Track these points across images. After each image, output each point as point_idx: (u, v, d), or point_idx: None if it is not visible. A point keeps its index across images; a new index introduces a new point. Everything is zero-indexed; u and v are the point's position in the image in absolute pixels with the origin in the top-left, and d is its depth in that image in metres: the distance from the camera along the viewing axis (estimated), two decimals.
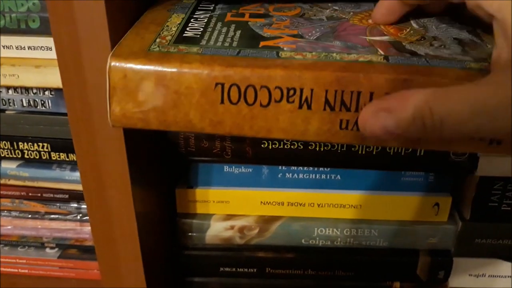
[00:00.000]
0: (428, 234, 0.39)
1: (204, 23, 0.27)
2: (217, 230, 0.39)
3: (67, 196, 0.42)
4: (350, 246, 0.39)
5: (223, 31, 0.26)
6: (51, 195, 0.42)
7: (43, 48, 0.36)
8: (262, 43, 0.25)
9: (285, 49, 0.24)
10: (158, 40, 0.25)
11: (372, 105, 0.21)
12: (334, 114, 0.23)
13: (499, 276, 0.41)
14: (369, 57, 0.23)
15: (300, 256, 0.39)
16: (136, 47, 0.24)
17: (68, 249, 0.44)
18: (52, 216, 0.43)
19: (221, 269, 0.40)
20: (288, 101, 0.23)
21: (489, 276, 0.41)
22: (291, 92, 0.23)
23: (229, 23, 0.27)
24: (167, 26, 0.27)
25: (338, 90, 0.22)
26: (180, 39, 0.25)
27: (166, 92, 0.23)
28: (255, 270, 0.40)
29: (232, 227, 0.39)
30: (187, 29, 0.27)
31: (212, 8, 0.30)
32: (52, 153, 0.40)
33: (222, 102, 0.23)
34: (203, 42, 0.25)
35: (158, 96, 0.23)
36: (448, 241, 0.39)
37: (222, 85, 0.23)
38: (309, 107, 0.23)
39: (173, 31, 0.26)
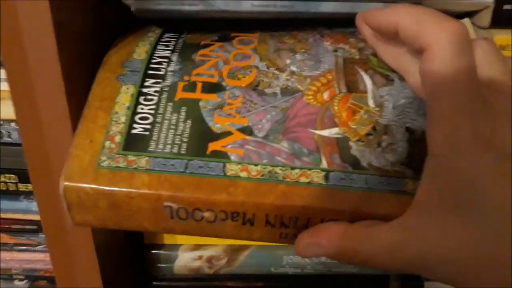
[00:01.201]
0: None
1: (154, 105, 0.27)
2: (185, 261, 0.39)
3: (35, 227, 0.42)
4: (319, 273, 0.39)
5: (172, 124, 0.26)
6: (20, 226, 0.42)
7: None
8: (210, 147, 0.25)
9: (232, 158, 0.25)
10: (107, 145, 0.26)
11: (304, 237, 0.24)
12: (274, 229, 0.25)
13: None
14: (310, 175, 0.24)
15: (270, 284, 0.39)
16: (86, 161, 0.25)
17: (37, 280, 0.44)
18: (21, 247, 0.43)
19: None
20: (232, 220, 0.24)
21: None
22: (235, 214, 0.24)
23: (180, 105, 0.27)
24: (116, 113, 0.27)
25: (278, 215, 0.24)
26: (129, 141, 0.26)
27: (120, 209, 0.25)
28: None
29: (200, 257, 0.38)
30: (137, 119, 0.26)
31: (163, 72, 0.28)
32: (19, 184, 0.40)
33: (172, 218, 0.25)
34: (152, 147, 0.25)
35: (112, 211, 0.25)
36: None
37: (171, 207, 0.24)
38: (251, 224, 0.25)
39: (122, 125, 0.26)
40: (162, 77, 0.28)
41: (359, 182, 0.24)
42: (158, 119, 0.26)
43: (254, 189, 0.24)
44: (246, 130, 0.26)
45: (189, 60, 0.29)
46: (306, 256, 0.24)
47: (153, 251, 0.39)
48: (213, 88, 0.28)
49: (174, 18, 0.30)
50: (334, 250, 0.22)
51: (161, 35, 0.31)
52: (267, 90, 0.27)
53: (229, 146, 0.25)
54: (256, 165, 0.25)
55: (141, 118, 0.26)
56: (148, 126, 0.26)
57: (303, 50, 0.29)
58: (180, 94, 0.27)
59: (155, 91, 0.27)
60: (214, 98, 0.27)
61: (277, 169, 0.24)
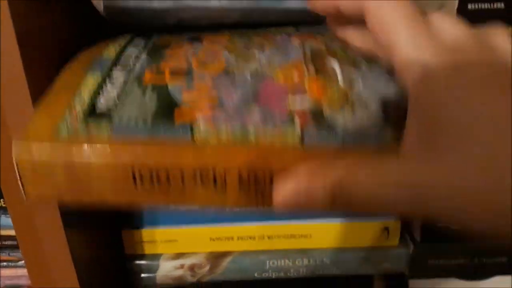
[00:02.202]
0: (380, 259, 0.38)
1: (120, 88, 0.26)
2: (167, 270, 0.38)
3: (14, 242, 0.41)
4: (303, 276, 0.39)
5: (138, 102, 0.25)
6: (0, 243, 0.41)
7: None
8: (178, 117, 0.24)
9: (200, 124, 0.23)
10: (68, 117, 0.24)
11: (283, 188, 0.21)
12: (248, 191, 0.23)
13: None
14: (283, 136, 0.23)
15: None
16: (44, 128, 0.23)
17: None
18: (3, 263, 0.42)
19: None
20: (201, 182, 0.23)
21: None
22: (204, 173, 0.23)
23: (147, 87, 0.26)
24: (80, 94, 0.25)
25: (251, 171, 0.22)
26: (91, 115, 0.24)
27: (77, 180, 0.23)
28: None
29: (182, 266, 0.38)
30: (101, 99, 0.25)
31: (131, 63, 0.28)
32: None
33: (136, 187, 0.23)
34: (116, 119, 0.24)
35: (70, 182, 0.23)
36: (402, 265, 0.39)
37: (133, 173, 0.22)
38: (224, 187, 0.23)
39: (85, 101, 0.25)
40: (130, 67, 0.27)
41: (336, 141, 0.23)
42: (123, 98, 0.25)
43: (224, 148, 0.23)
44: (216, 103, 0.25)
45: (158, 56, 0.28)
46: (285, 207, 0.21)
47: (134, 262, 0.38)
48: (181, 73, 0.27)
49: (144, 19, 0.30)
50: (319, 195, 0.20)
51: (131, 39, 0.30)
52: (237, 74, 0.27)
53: (198, 115, 0.24)
54: (226, 128, 0.23)
55: (105, 99, 0.25)
56: (112, 104, 0.24)
57: (271, 47, 0.29)
58: (147, 80, 0.26)
59: (122, 78, 0.26)
60: (182, 82, 0.26)
61: (249, 131, 0.23)
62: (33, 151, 0.22)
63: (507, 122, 0.18)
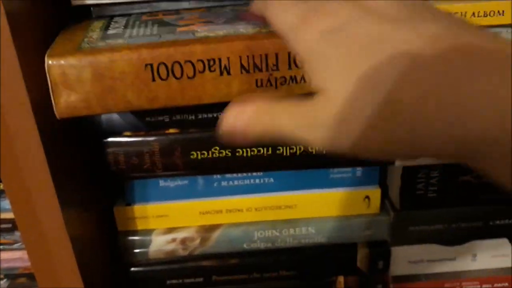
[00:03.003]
0: (363, 226, 0.40)
1: (124, 23, 0.31)
2: (159, 245, 0.40)
3: (10, 225, 0.42)
4: (290, 246, 0.40)
5: (142, 25, 0.30)
6: None
7: None
8: (178, 29, 0.29)
9: (199, 30, 0.29)
10: (86, 39, 0.28)
11: (233, 106, 0.24)
12: (250, 75, 0.27)
13: (437, 260, 0.43)
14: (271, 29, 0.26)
15: (243, 260, 0.40)
16: (68, 47, 0.28)
17: (17, 278, 0.44)
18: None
19: (168, 282, 0.41)
20: (210, 70, 0.27)
21: (427, 261, 0.43)
22: (211, 62, 0.27)
23: (146, 21, 0.31)
24: (91, 29, 0.30)
25: (250, 55, 0.27)
26: (106, 36, 0.29)
27: (103, 79, 0.27)
28: (202, 280, 0.41)
29: (174, 240, 0.40)
30: (110, 28, 0.30)
31: (126, 19, 0.32)
32: None
33: (154, 80, 0.27)
34: (127, 35, 0.29)
35: (96, 84, 0.27)
36: (383, 232, 0.41)
37: (151, 65, 0.27)
38: (228, 73, 0.27)
39: (98, 32, 0.30)
40: (127, 18, 0.32)
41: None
42: (129, 28, 0.30)
43: (225, 37, 0.27)
44: (208, 21, 0.30)
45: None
46: (228, 130, 0.24)
47: (127, 238, 0.39)
48: (172, 14, 0.32)
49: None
50: (260, 123, 0.23)
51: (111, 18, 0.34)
52: (217, 11, 0.32)
53: (195, 28, 0.29)
54: (221, 31, 0.28)
55: (114, 28, 0.30)
56: (121, 30, 0.30)
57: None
58: (145, 19, 0.32)
59: (124, 21, 0.32)
60: (175, 17, 0.32)
61: (241, 30, 0.28)
62: (63, 65, 0.26)
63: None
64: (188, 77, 0.27)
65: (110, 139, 0.35)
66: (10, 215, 0.41)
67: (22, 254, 0.43)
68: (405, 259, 0.43)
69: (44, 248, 0.33)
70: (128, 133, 0.35)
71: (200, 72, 0.27)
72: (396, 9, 0.21)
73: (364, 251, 0.41)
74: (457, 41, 0.19)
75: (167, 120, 0.35)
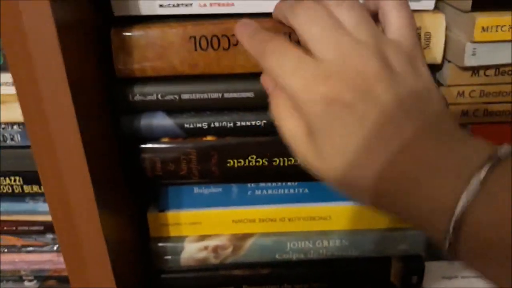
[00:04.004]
0: (397, 240, 0.39)
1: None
2: (191, 252, 0.39)
3: (42, 227, 0.42)
4: (323, 257, 0.40)
5: None
6: (26, 228, 0.42)
7: (8, 84, 0.36)
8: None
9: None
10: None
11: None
12: None
13: (472, 277, 0.42)
14: None
15: (275, 271, 0.40)
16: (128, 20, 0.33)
17: (47, 280, 0.44)
18: (29, 248, 0.43)
19: None
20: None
21: (461, 277, 0.42)
22: None
23: None
24: None
25: (277, 31, 0.30)
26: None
27: (155, 47, 0.32)
28: None
29: (206, 248, 0.39)
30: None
31: None
32: (24, 186, 0.40)
33: (196, 50, 0.32)
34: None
35: (150, 51, 0.32)
36: (419, 246, 0.40)
37: (194, 37, 0.32)
38: None
39: None
40: None
41: None
42: None
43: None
44: None
45: None
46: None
47: (159, 244, 0.39)
48: None
49: None
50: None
51: None
52: None
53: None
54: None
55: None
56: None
57: None
58: None
59: None
60: None
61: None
62: (124, 34, 0.32)
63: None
64: (224, 49, 0.32)
65: (147, 145, 0.35)
66: (42, 218, 0.42)
67: (52, 257, 0.43)
68: (439, 274, 0.42)
69: (79, 250, 0.33)
70: (165, 139, 0.35)
71: (234, 45, 0.32)
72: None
73: (398, 265, 0.40)
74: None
75: (205, 127, 0.34)
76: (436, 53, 0.34)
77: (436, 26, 0.33)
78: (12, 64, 0.27)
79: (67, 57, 0.27)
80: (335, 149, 0.23)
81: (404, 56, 0.24)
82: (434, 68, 0.35)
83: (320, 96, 0.23)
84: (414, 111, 0.23)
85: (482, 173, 0.20)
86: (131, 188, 0.38)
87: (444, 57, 0.34)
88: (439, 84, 0.35)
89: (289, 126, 0.25)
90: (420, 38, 0.33)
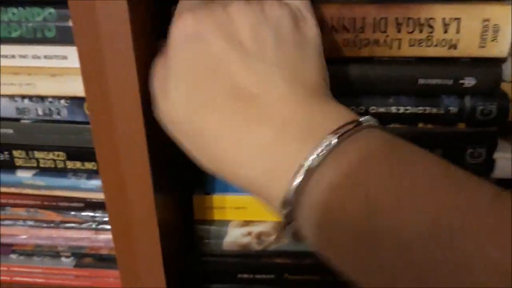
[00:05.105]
0: None
1: None
2: (234, 237, 0.39)
3: (82, 204, 0.42)
4: None
5: None
6: (67, 204, 0.42)
7: (58, 57, 0.36)
8: None
9: None
10: None
11: None
12: (338, 34, 0.32)
13: None
14: None
15: (318, 261, 0.39)
16: None
17: (84, 258, 0.44)
18: (67, 225, 0.43)
19: (239, 275, 0.40)
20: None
21: None
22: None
23: None
24: None
25: (340, 18, 0.32)
26: None
27: None
28: (273, 277, 0.40)
29: (249, 233, 0.39)
30: None
31: None
32: (67, 161, 0.40)
33: None
34: None
35: None
36: None
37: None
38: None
39: None
40: None
41: None
42: None
43: (322, 2, 0.31)
44: None
45: None
46: None
47: (203, 227, 0.39)
48: None
49: None
50: None
51: None
52: None
53: None
54: None
55: None
56: None
57: None
58: None
59: None
60: None
61: None
62: None
63: None
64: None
65: None
66: (83, 195, 0.41)
67: (90, 234, 0.43)
68: None
69: (130, 230, 0.32)
70: None
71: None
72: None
73: None
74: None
75: None
76: (503, 46, 0.33)
77: (505, 18, 0.32)
78: (78, 36, 0.27)
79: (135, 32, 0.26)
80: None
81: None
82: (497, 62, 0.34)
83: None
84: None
85: (334, 139, 0.21)
86: (182, 170, 0.37)
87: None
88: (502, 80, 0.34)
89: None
90: (488, 30, 0.32)
